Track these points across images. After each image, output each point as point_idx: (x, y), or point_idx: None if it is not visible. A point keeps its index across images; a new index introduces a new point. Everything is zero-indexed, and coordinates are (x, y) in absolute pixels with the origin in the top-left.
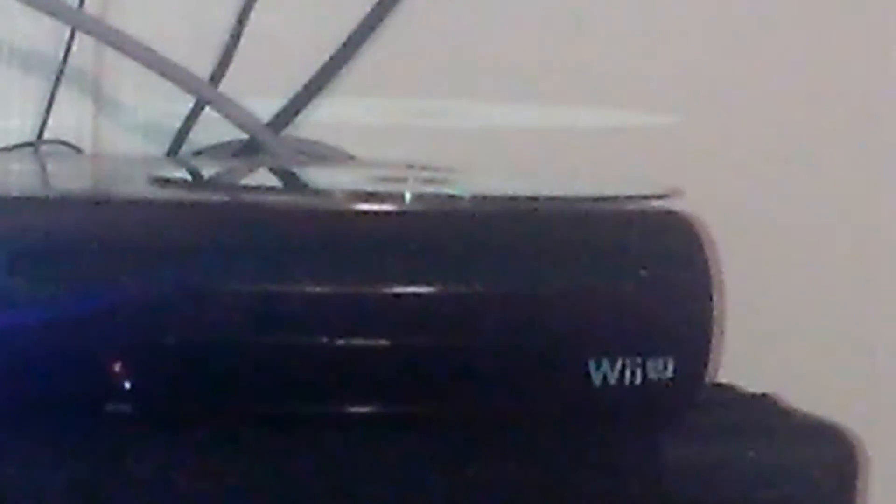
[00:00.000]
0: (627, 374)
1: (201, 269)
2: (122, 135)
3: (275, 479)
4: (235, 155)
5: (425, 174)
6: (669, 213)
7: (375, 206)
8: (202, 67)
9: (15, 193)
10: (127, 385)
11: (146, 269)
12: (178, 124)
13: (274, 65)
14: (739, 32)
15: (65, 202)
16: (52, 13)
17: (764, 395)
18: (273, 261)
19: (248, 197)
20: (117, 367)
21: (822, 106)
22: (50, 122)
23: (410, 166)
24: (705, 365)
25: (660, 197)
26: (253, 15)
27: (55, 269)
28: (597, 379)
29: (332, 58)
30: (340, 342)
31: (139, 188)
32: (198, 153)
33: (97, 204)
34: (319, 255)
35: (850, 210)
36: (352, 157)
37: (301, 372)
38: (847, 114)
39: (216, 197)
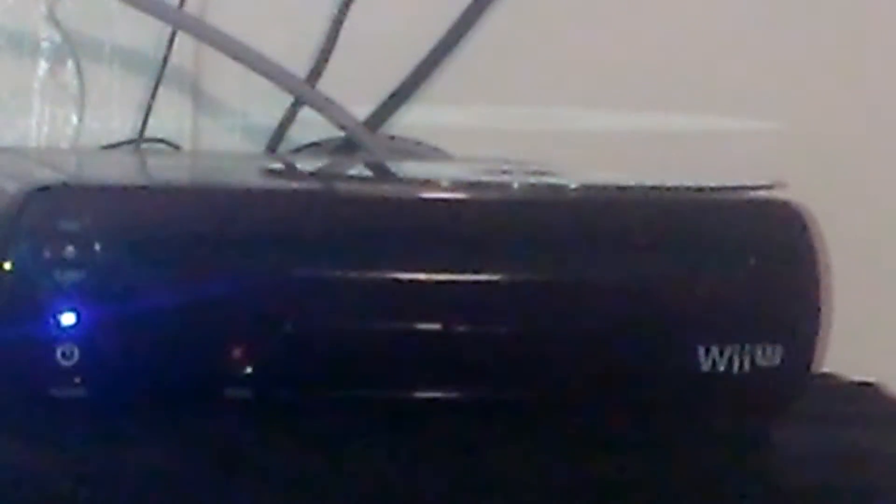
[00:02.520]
0: (736, 361)
1: (315, 256)
2: (220, 133)
3: (388, 463)
4: (333, 152)
5: (529, 167)
6: (777, 202)
7: (485, 195)
8: (299, 68)
9: (133, 184)
10: (247, 370)
11: (264, 256)
12: (275, 123)
13: (370, 66)
14: (843, 34)
15: (182, 191)
16: (153, 13)
17: (868, 383)
18: (385, 248)
19: (363, 187)
20: (237, 352)
21: None
22: (150, 121)
23: (511, 162)
24: (813, 353)
25: (767, 188)
26: (350, 16)
27: (175, 257)
28: (706, 365)
29: (426, 59)
30: (455, 328)
31: (253, 179)
32: (295, 151)
33: (215, 193)
34: (430, 242)
35: None
36: (448, 155)
37: (413, 357)
38: None
39: (327, 186)
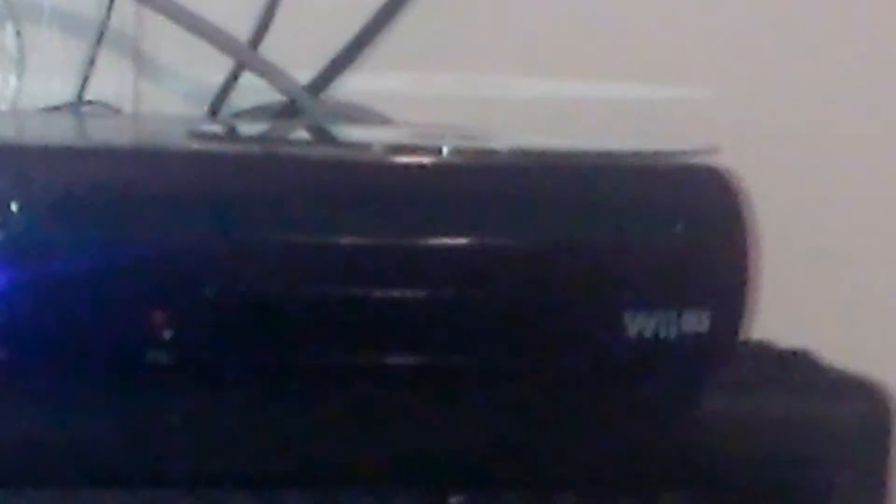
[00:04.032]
0: (663, 327)
1: (239, 219)
2: (162, 97)
3: (309, 430)
4: (274, 117)
5: (462, 132)
6: (706, 168)
7: (413, 159)
8: (241, 31)
9: (54, 144)
10: (167, 335)
11: (184, 219)
12: (216, 88)
13: (311, 31)
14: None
15: (105, 152)
16: None
17: (798, 351)
18: (310, 212)
19: (286, 149)
20: (157, 316)
21: (856, 72)
22: (91, 84)
23: (447, 126)
24: (741, 319)
25: (697, 153)
26: None
27: (96, 219)
28: (632, 331)
29: (368, 25)
30: (375, 293)
31: (178, 141)
32: (236, 115)
33: (137, 154)
34: (356, 206)
35: (882, 164)
36: (387, 120)
37: (335, 323)
38: (878, 77)
39: (253, 149)
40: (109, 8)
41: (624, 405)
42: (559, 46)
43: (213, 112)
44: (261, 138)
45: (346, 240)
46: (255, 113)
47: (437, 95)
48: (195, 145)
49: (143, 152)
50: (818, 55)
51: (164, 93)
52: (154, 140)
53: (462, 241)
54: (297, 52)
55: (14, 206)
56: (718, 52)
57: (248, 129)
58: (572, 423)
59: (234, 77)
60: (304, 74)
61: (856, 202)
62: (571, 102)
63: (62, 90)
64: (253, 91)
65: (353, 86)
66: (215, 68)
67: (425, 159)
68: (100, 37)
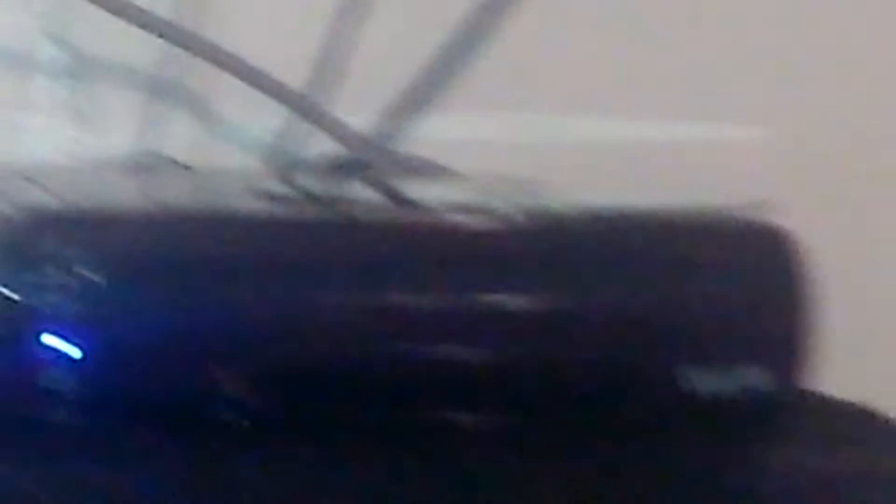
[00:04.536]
0: (720, 384)
1: (308, 282)
2: (220, 148)
3: (375, 490)
4: (335, 169)
5: (521, 188)
6: (762, 225)
7: (473, 220)
8: (303, 83)
9: (120, 207)
10: (237, 396)
11: (254, 282)
12: (276, 138)
13: (375, 80)
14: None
15: (179, 218)
16: (152, 29)
17: (857, 404)
18: (376, 274)
19: (351, 211)
20: (228, 378)
21: None
22: (149, 136)
23: (507, 181)
24: (798, 375)
25: (751, 209)
26: (355, 29)
27: (170, 282)
28: (688, 388)
29: (431, 73)
30: (439, 354)
31: (244, 203)
32: (298, 167)
33: (211, 219)
34: (420, 268)
35: None
36: (450, 172)
37: (403, 384)
38: None
39: (320, 212)
40: (168, 60)
41: (682, 463)
42: (614, 87)
43: (272, 164)
44: (327, 200)
45: (408, 302)
46: (315, 164)
47: (496, 139)
48: (264, 208)
49: (216, 217)
50: (880, 96)
51: (222, 144)
52: (224, 202)
53: (520, 301)
54: (357, 101)
55: (86, 271)
56: (777, 92)
57: (309, 186)
58: (629, 481)
59: (293, 128)
60: (364, 121)
61: None
62: (630, 144)
63: (123, 143)
64: (312, 141)
65: (413, 131)
66: (274, 119)
67: (487, 220)
68: (161, 90)
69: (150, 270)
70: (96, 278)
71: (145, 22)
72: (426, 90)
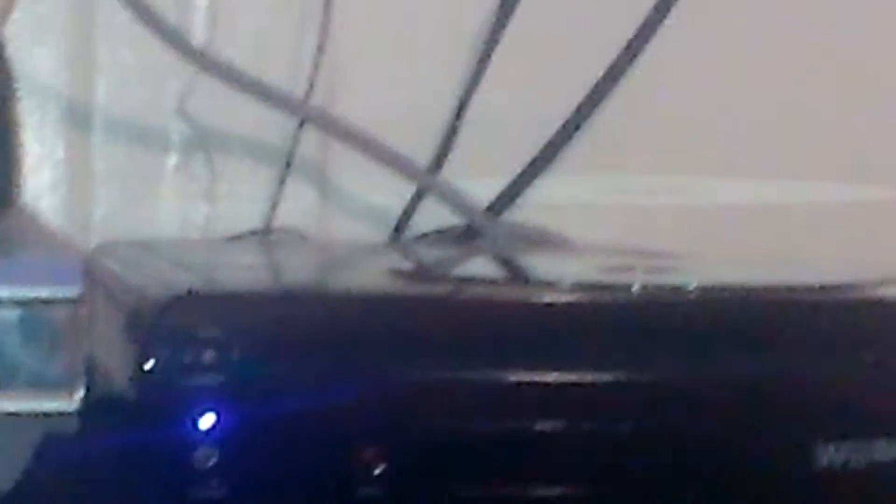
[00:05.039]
0: (853, 457)
1: (444, 359)
2: (346, 221)
3: None
4: (456, 240)
5: (651, 262)
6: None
7: (605, 298)
8: (425, 151)
9: (262, 287)
10: (377, 471)
11: (394, 360)
12: (400, 210)
13: (495, 146)
14: None
15: (314, 297)
16: (279, 106)
17: None
18: (507, 351)
19: (478, 290)
20: (369, 453)
21: None
22: (278, 210)
23: (635, 253)
24: None
25: (886, 282)
26: (473, 98)
27: (308, 361)
28: (822, 462)
29: (552, 139)
30: (571, 429)
31: (376, 280)
32: (419, 238)
33: (345, 298)
34: (548, 346)
35: None
36: (567, 241)
37: (538, 458)
38: None
39: (447, 290)
40: (295, 136)
41: None
42: (752, 147)
43: (397, 235)
44: (454, 277)
45: (540, 378)
46: (435, 237)
47: (626, 204)
48: (394, 286)
49: (351, 296)
50: None
51: (347, 217)
52: (352, 279)
53: (654, 378)
54: (483, 168)
55: (234, 351)
56: None
57: (432, 259)
58: None
59: (415, 201)
60: (493, 185)
61: None
62: (769, 205)
63: (250, 217)
64: (438, 211)
65: (534, 197)
66: (398, 192)
67: (614, 298)
68: (287, 164)
69: (287, 349)
70: (238, 357)
71: (269, 97)
72: (548, 153)
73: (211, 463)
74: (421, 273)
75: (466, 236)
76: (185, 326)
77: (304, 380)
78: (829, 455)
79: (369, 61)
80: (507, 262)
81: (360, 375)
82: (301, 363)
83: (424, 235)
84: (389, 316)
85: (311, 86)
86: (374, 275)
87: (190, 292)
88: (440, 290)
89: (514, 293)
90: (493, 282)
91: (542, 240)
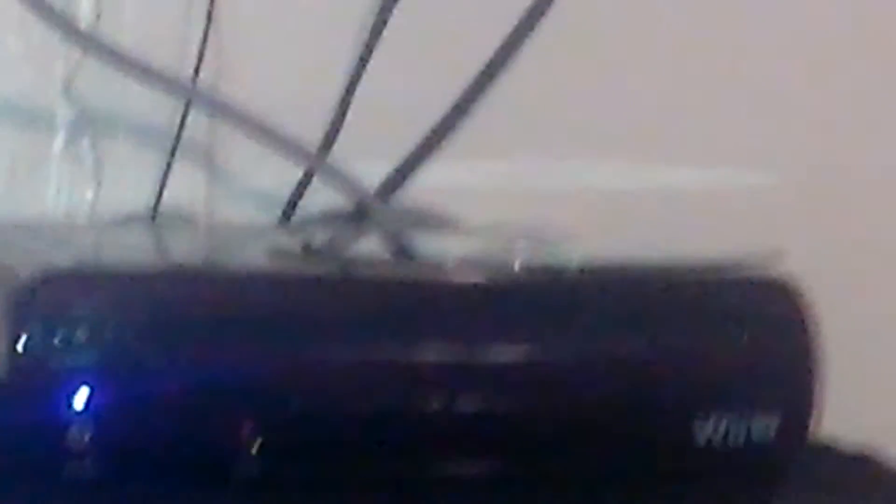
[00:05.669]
0: (731, 434)
1: (319, 337)
2: (234, 204)
3: None
4: (344, 222)
5: (532, 242)
6: (769, 278)
7: (483, 277)
8: (313, 134)
9: (132, 265)
10: (253, 450)
11: (268, 338)
12: (288, 192)
13: (383, 130)
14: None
15: (192, 276)
16: (166, 88)
17: (863, 452)
18: (384, 330)
19: (361, 269)
20: (245, 432)
21: None
22: (165, 192)
23: (518, 234)
24: (808, 424)
25: (760, 263)
26: (362, 81)
27: (184, 340)
28: (701, 439)
29: (441, 122)
30: (451, 408)
31: (255, 259)
32: (306, 221)
33: (223, 277)
34: (429, 325)
35: None
36: (457, 223)
37: (419, 437)
38: None
39: (329, 269)
40: (182, 118)
41: None
42: (622, 133)
43: (286, 218)
44: (333, 256)
45: (417, 358)
46: (324, 219)
47: (506, 186)
48: (275, 265)
49: (229, 275)
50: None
51: (236, 200)
52: (236, 259)
53: (532, 354)
54: (371, 150)
55: (107, 330)
56: (785, 139)
57: (318, 241)
58: None
59: (304, 184)
60: (381, 169)
61: None
62: (638, 191)
63: (137, 199)
64: (327, 194)
65: (428, 181)
66: (286, 175)
67: (495, 277)
68: (173, 147)
69: (166, 325)
70: (111, 335)
71: (156, 80)
72: (436, 137)
73: (85, 442)
74: (302, 253)
75: (355, 219)
76: (57, 305)
77: (178, 358)
78: (709, 431)
79: (256, 44)
80: (394, 243)
81: (234, 354)
82: (175, 341)
83: (313, 218)
84: (266, 294)
85: (198, 68)
86: (254, 254)
87: (62, 271)
88: (318, 268)
89: (398, 272)
90: (377, 262)
91: (430, 221)
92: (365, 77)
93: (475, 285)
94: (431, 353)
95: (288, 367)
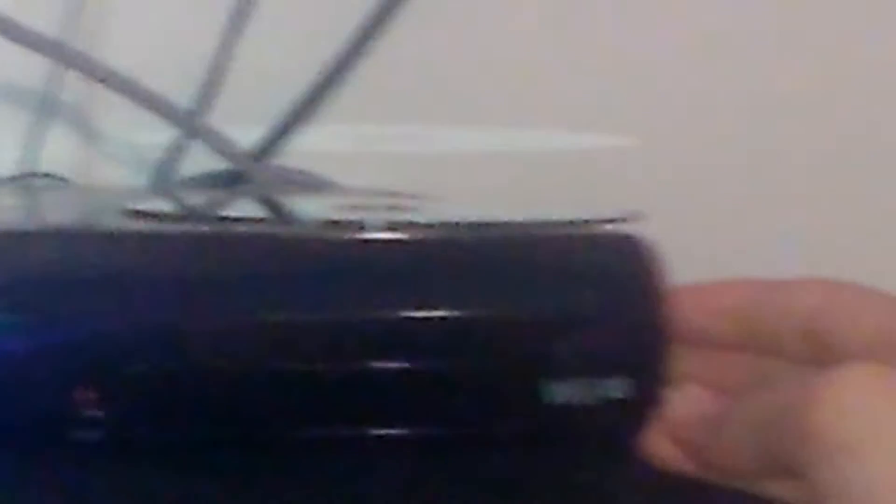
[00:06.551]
0: (582, 394)
1: (165, 298)
2: (112, 167)
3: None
4: (219, 185)
5: (391, 202)
6: (620, 235)
7: (337, 235)
8: (187, 98)
9: None
10: (93, 413)
11: (110, 299)
12: (162, 155)
13: (258, 94)
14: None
15: (34, 234)
16: (39, 49)
17: None
18: (239, 290)
19: (218, 227)
20: (83, 395)
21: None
22: (41, 155)
23: (383, 194)
24: (660, 384)
25: (613, 221)
26: (237, 45)
27: (23, 299)
28: (550, 399)
29: (314, 86)
30: (302, 369)
31: (120, 221)
32: (182, 183)
33: (66, 235)
34: (286, 283)
35: (807, 225)
36: (333, 185)
37: (265, 398)
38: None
39: (187, 228)
40: (57, 79)
41: (540, 474)
42: (490, 96)
43: (160, 181)
44: (196, 215)
45: (272, 318)
46: (201, 181)
47: (388, 152)
48: (127, 225)
49: (72, 232)
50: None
51: (113, 163)
52: (102, 220)
53: (380, 314)
54: (239, 114)
55: None
56: (646, 101)
57: (189, 202)
58: (493, 493)
59: (179, 145)
60: (255, 134)
61: (781, 261)
62: (500, 154)
63: (7, 161)
64: (203, 158)
65: (304, 145)
66: (163, 137)
67: (348, 235)
68: (47, 108)
69: (4, 287)
70: None
71: (29, 40)
72: (310, 102)
73: None
74: (160, 213)
75: (229, 181)
76: None
77: (18, 319)
78: (558, 392)
79: (132, 4)
80: (263, 202)
81: (74, 315)
82: (15, 301)
83: (187, 180)
84: (111, 254)
85: (73, 29)
86: (119, 215)
87: None
88: (183, 227)
89: (269, 230)
90: (234, 220)
91: (304, 183)
92: (241, 39)
93: (345, 242)
94: (283, 311)
95: (125, 329)
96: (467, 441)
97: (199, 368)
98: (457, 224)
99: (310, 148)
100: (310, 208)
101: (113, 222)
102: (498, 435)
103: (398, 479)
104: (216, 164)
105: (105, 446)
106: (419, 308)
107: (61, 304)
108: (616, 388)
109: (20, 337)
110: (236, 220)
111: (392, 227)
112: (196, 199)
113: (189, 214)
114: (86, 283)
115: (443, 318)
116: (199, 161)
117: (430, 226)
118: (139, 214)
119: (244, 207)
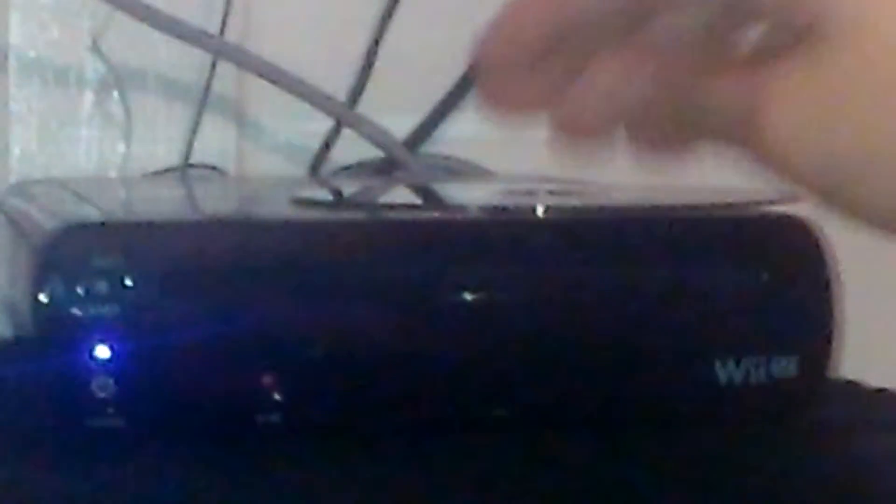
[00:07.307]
0: (752, 373)
1: (341, 284)
2: (264, 157)
3: (417, 487)
4: (373, 173)
5: (554, 187)
6: (787, 216)
7: (507, 219)
8: (340, 88)
9: (163, 219)
10: (276, 397)
11: (290, 286)
12: (317, 145)
13: (410, 83)
14: None
15: (213, 225)
16: (194, 42)
17: (884, 389)
18: (410, 275)
19: (387, 215)
20: (266, 380)
21: None
22: (195, 146)
23: (541, 180)
24: (827, 362)
25: (779, 201)
26: (388, 35)
27: (204, 290)
28: (723, 379)
29: (465, 74)
30: (482, 350)
31: (283, 210)
32: (336, 173)
33: (244, 226)
34: (456, 267)
35: None
36: (485, 172)
37: (439, 382)
38: None
39: (355, 216)
40: (211, 72)
41: (717, 452)
42: None
43: (314, 170)
44: (360, 203)
45: (442, 300)
46: (355, 170)
47: (533, 137)
48: (299, 214)
49: (250, 224)
50: None
51: (266, 153)
52: (260, 209)
53: (559, 296)
54: (398, 104)
55: (129, 281)
56: None
57: (347, 191)
58: (668, 471)
59: (333, 135)
60: (407, 123)
61: None
62: None
63: (168, 154)
64: (354, 146)
65: (456, 133)
66: (316, 126)
67: (518, 219)
68: (203, 101)
69: (187, 276)
70: (133, 286)
71: (184, 33)
72: (461, 90)
73: (108, 392)
74: (328, 201)
75: (383, 169)
76: (79, 256)
77: (200, 308)
78: (730, 371)
79: None
80: (419, 190)
81: (255, 303)
82: (197, 292)
83: (342, 169)
84: (289, 243)
85: (225, 21)
86: (277, 204)
87: (84, 223)
88: (336, 216)
89: (423, 217)
90: (400, 207)
91: (458, 170)
92: (391, 29)
93: (500, 226)
94: (458, 296)
95: (306, 316)
96: (642, 421)
97: (373, 353)
98: (628, 208)
99: (461, 135)
100: (474, 195)
101: (281, 212)
102: (673, 414)
103: (579, 461)
104: (367, 152)
105: (285, 430)
106: (590, 289)
107: (245, 291)
108: (787, 367)
109: (203, 324)
110: (401, 207)
111: (560, 211)
112: (352, 187)
113: (354, 203)
114: (265, 272)
115: (617, 300)
116: (350, 150)
117: (600, 211)
118: (307, 203)
119: (399, 195)
